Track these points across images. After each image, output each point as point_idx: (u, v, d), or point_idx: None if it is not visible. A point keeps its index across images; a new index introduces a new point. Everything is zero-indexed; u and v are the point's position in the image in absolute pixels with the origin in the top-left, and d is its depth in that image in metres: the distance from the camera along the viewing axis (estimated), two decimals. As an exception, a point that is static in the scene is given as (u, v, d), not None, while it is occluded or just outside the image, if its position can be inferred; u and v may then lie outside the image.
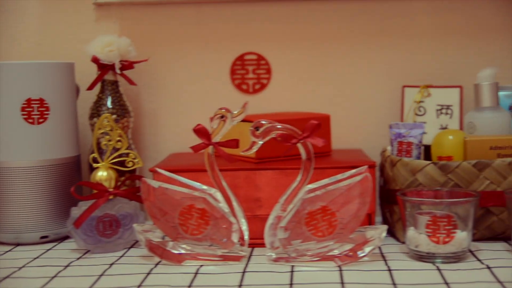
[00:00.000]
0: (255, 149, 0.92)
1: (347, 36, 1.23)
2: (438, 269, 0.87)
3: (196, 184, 0.96)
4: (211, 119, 0.94)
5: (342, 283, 0.83)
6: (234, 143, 0.94)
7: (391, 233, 1.06)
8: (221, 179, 0.94)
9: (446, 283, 0.81)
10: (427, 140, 1.11)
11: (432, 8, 1.22)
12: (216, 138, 0.94)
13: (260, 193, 1.02)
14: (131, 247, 1.03)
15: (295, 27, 1.24)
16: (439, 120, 1.16)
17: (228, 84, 1.26)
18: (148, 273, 0.88)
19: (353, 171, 0.94)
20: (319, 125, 0.91)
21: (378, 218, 1.14)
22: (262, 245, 0.95)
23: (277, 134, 0.92)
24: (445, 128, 1.16)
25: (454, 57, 1.22)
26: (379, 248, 0.98)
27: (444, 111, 1.16)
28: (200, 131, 0.94)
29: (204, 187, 0.95)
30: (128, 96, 1.23)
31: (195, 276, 0.87)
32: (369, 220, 1.02)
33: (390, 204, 1.04)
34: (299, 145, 0.92)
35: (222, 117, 0.93)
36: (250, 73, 1.25)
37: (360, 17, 1.23)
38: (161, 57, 1.25)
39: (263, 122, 0.92)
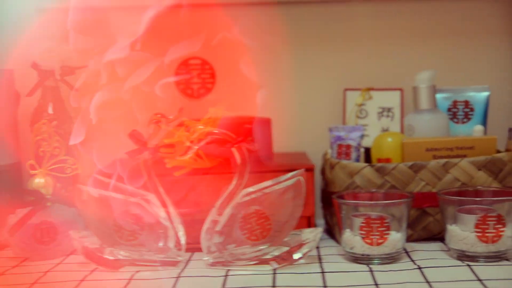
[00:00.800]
0: (190, 154, 0.92)
1: (289, 41, 1.24)
2: (371, 271, 0.88)
3: (134, 190, 0.95)
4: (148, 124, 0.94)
5: (274, 286, 0.83)
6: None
7: (331, 235, 1.07)
8: (157, 184, 0.94)
9: (376, 285, 0.82)
10: (368, 143, 1.12)
11: (372, 12, 1.23)
12: (152, 143, 0.94)
13: (200, 197, 1.02)
14: (71, 253, 1.02)
15: (238, 31, 1.24)
16: (380, 122, 1.17)
17: (173, 89, 1.25)
18: (81, 280, 0.88)
19: (289, 174, 0.94)
20: (253, 129, 0.91)
21: (321, 220, 1.15)
22: (202, 249, 0.95)
23: (212, 139, 0.92)
24: (387, 130, 1.17)
25: (394, 60, 1.24)
26: (317, 250, 0.98)
27: (385, 113, 1.17)
28: (134, 136, 0.93)
29: (142, 192, 0.95)
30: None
31: (128, 282, 0.86)
32: (308, 223, 1.03)
33: (330, 206, 1.05)
34: (233, 150, 0.92)
35: (157, 122, 0.93)
36: (194, 77, 1.25)
37: (301, 21, 1.24)
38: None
39: (200, 127, 0.92)
